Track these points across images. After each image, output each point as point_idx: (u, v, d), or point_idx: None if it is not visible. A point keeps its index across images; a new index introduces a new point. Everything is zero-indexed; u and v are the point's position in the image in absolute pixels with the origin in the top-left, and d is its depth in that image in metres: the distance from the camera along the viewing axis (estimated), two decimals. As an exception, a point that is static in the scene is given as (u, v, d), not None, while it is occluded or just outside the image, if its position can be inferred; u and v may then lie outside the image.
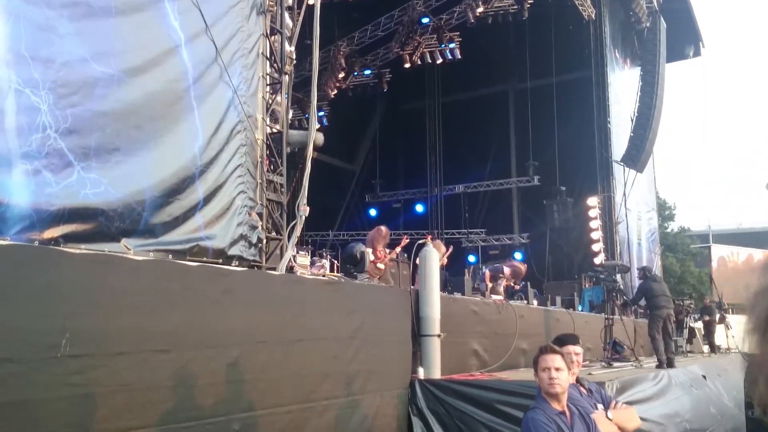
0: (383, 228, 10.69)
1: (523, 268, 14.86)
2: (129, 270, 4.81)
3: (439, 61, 20.36)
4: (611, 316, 11.89)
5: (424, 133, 23.66)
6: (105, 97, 5.40)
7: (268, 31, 7.87)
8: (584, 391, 4.16)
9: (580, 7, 18.34)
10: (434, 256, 8.89)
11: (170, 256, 5.75)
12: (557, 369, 3.52)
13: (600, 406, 4.14)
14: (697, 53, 26.00)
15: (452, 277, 12.46)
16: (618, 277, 13.51)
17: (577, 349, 3.93)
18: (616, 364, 10.85)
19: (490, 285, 12.81)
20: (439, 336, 8.42)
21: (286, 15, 8.40)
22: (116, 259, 4.82)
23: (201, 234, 6.32)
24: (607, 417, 4.01)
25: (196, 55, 6.47)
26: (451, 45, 19.90)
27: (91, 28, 5.39)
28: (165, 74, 6.11)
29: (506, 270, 13.73)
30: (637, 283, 16.96)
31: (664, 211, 39.36)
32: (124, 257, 4.94)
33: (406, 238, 11.15)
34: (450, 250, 11.88)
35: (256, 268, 6.95)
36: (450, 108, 23.08)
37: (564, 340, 3.96)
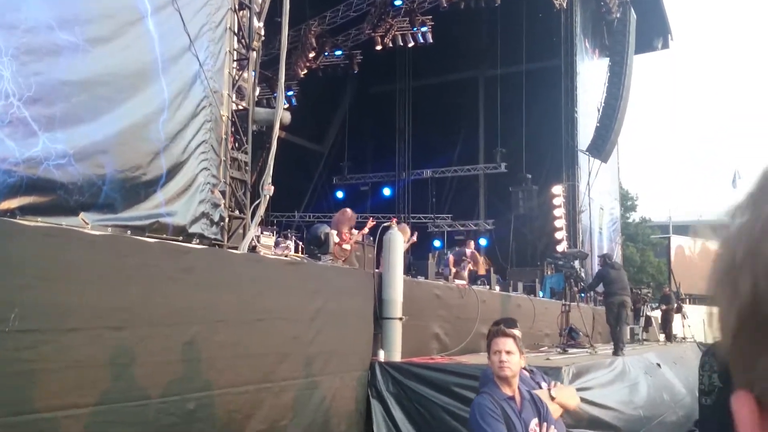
0: (348, 210, 10.65)
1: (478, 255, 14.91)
2: (84, 245, 4.71)
3: (411, 44, 20.29)
4: (568, 303, 12.06)
5: (394, 117, 23.60)
6: (70, 66, 5.27)
7: (237, 6, 7.74)
8: (527, 373, 4.23)
9: (552, -5, 18.39)
10: (399, 239, 8.90)
11: (129, 232, 5.65)
12: (508, 352, 3.54)
13: (543, 385, 4.21)
14: (665, 46, 26.27)
15: (417, 261, 12.51)
16: (576, 263, 13.69)
17: (517, 332, 3.96)
18: (571, 350, 11.01)
19: (453, 270, 12.88)
20: (401, 319, 8.45)
21: (255, -10, 8.26)
22: (71, 233, 4.73)
23: (161, 210, 6.22)
24: (550, 395, 4.07)
25: (162, 27, 6.34)
26: (423, 29, 19.84)
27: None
28: (131, 45, 5.98)
29: (467, 252, 13.82)
30: (596, 269, 17.23)
31: (627, 202, 39.97)
32: (79, 231, 4.84)
33: (372, 221, 11.13)
34: (414, 237, 11.86)
35: (217, 247, 6.88)
36: (420, 92, 23.03)
37: (503, 324, 3.99)
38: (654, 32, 25.16)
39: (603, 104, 20.03)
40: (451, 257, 13.18)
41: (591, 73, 21.04)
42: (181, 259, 5.58)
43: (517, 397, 3.55)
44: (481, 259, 14.79)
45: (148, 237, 5.66)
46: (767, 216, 0.44)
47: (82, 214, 5.31)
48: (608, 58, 21.25)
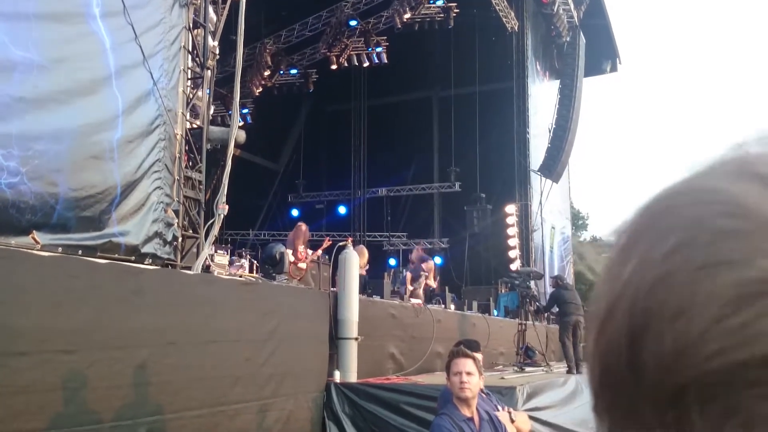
0: (303, 225, 10.62)
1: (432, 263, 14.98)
2: (33, 266, 4.59)
3: (366, 64, 20.44)
4: (524, 322, 12.19)
5: (349, 135, 23.65)
6: (24, 82, 5.18)
7: (191, 25, 7.70)
8: (484, 395, 4.26)
9: (504, 19, 18.77)
10: (354, 258, 8.89)
11: (80, 252, 5.53)
12: (468, 373, 3.57)
13: (500, 407, 4.25)
14: (614, 69, 27.01)
15: (372, 280, 12.50)
16: (532, 283, 13.87)
17: (478, 356, 4.01)
18: (527, 368, 11.12)
19: (410, 288, 12.90)
20: (356, 339, 8.42)
21: (211, 9, 8.25)
22: (19, 254, 4.60)
23: (114, 230, 6.12)
24: (510, 418, 4.11)
25: (117, 45, 6.29)
26: (378, 49, 20.01)
27: (9, 9, 5.15)
28: (85, 62, 5.92)
29: (424, 266, 13.85)
30: (549, 290, 17.47)
31: (578, 221, 40.76)
32: (28, 252, 4.72)
33: (328, 240, 11.11)
34: (366, 267, 11.77)
35: (170, 267, 6.78)
36: (375, 111, 23.15)
37: (467, 345, 4.02)
38: (603, 56, 25.85)
39: (554, 125, 20.44)
40: (408, 274, 13.20)
41: (542, 95, 21.46)
42: (132, 280, 5.47)
43: (476, 419, 3.58)
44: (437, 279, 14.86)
45: (99, 258, 5.55)
46: (627, 276, 0.40)
47: (33, 233, 5.19)
48: (558, 81, 21.72)
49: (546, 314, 15.65)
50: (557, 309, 11.93)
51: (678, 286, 0.37)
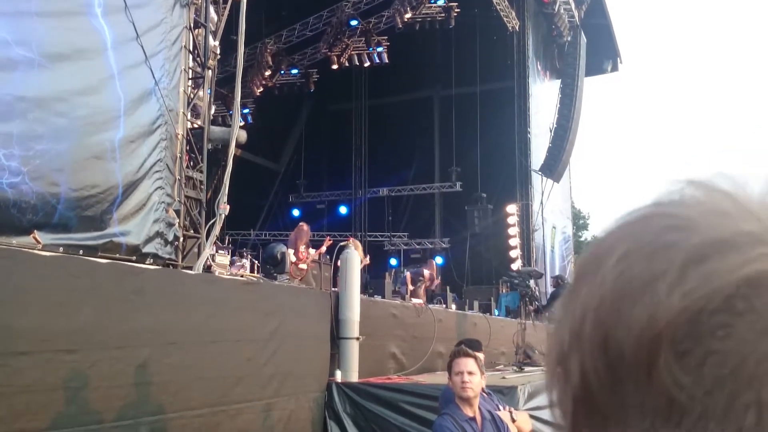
0: (304, 225, 10.62)
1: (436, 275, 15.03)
2: (34, 266, 4.59)
3: (367, 64, 20.43)
4: (524, 321, 12.19)
5: (350, 135, 23.62)
6: (26, 81, 5.18)
7: (192, 24, 7.71)
8: (485, 395, 4.26)
9: (504, 19, 18.76)
10: (355, 258, 8.89)
11: (81, 252, 5.53)
12: (470, 373, 3.57)
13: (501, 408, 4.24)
14: (614, 68, 27.00)
15: (373, 279, 12.51)
16: (531, 282, 13.87)
17: (480, 355, 4.00)
18: (527, 368, 11.10)
19: (411, 288, 12.91)
20: (357, 339, 8.42)
21: (211, 9, 8.26)
22: (20, 254, 4.61)
23: (115, 230, 6.13)
24: (512, 417, 4.11)
25: (119, 45, 6.29)
26: (379, 49, 20.01)
27: (10, 8, 5.16)
28: (87, 61, 5.92)
29: (426, 273, 13.89)
30: (550, 289, 17.48)
31: (579, 221, 40.75)
32: (29, 252, 4.72)
33: (329, 239, 11.11)
34: (367, 259, 11.78)
35: (171, 267, 6.78)
36: (376, 111, 23.14)
37: (468, 345, 4.02)
38: (604, 55, 25.83)
39: (555, 125, 20.44)
40: (408, 275, 13.21)
41: (543, 95, 21.45)
42: (133, 280, 5.47)
43: (478, 418, 3.58)
44: (437, 281, 14.88)
45: (100, 257, 5.55)
46: (583, 299, 0.46)
47: (35, 232, 5.20)
48: (559, 80, 21.71)
49: (546, 313, 15.63)
50: (558, 308, 11.93)
51: (637, 270, 0.43)
